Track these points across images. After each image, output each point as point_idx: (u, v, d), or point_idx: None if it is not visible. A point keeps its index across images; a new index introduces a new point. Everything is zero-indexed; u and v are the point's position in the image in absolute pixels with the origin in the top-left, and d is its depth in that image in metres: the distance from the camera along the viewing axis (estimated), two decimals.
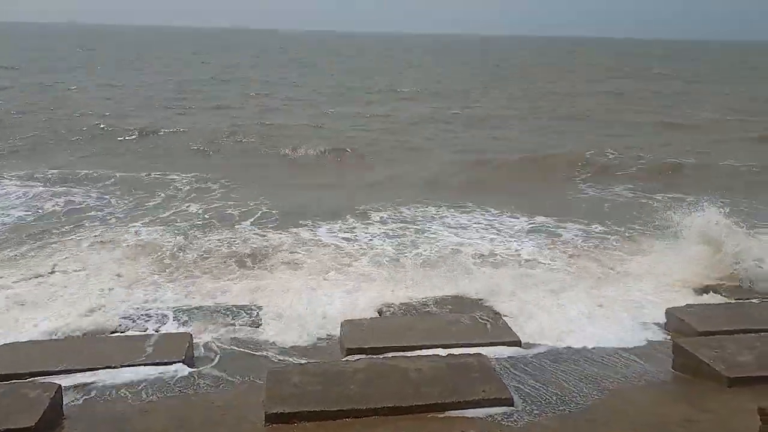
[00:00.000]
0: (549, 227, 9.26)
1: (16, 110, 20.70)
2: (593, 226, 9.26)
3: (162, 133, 16.86)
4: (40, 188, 11.16)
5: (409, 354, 4.66)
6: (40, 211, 9.77)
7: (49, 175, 12.08)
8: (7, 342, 5.01)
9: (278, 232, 8.71)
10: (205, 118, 19.74)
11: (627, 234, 8.86)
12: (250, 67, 44.77)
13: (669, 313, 5.65)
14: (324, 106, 23.51)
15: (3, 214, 9.57)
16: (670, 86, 34.05)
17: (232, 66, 44.51)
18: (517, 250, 8.11)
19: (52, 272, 7.01)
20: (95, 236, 8.38)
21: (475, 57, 69.19)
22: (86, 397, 4.17)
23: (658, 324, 5.64)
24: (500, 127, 19.72)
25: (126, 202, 10.45)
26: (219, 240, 8.33)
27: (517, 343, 5.04)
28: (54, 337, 5.31)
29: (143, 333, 5.31)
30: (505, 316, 5.69)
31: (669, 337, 5.31)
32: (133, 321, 5.68)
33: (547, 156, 14.68)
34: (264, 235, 8.59)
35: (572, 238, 8.76)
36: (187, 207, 10.11)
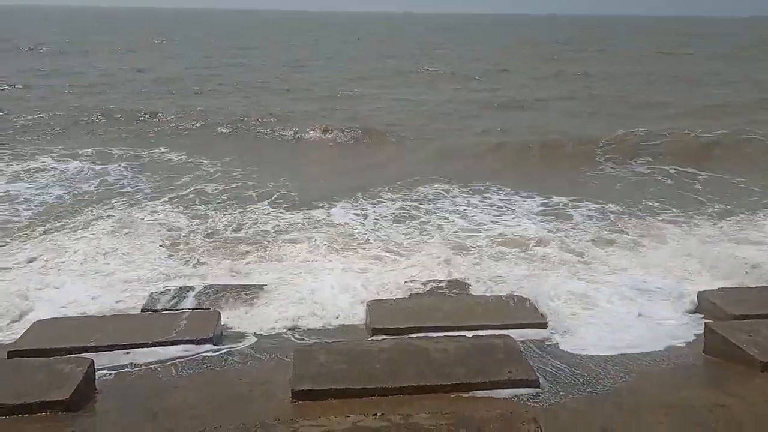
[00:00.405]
0: (565, 207, 9.17)
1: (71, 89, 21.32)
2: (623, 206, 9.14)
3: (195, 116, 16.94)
4: (77, 166, 11.52)
5: (434, 335, 4.67)
6: (75, 190, 10.04)
7: (86, 154, 12.44)
8: (42, 318, 5.17)
9: (297, 211, 8.82)
10: (232, 101, 19.85)
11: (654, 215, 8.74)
12: (266, 49, 44.20)
13: (701, 296, 5.54)
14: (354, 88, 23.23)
15: (43, 192, 9.86)
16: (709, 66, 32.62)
17: (249, 48, 44.26)
18: (535, 233, 8.05)
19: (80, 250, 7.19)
20: (119, 216, 8.58)
21: (499, 37, 67.11)
22: (118, 372, 4.28)
23: (690, 307, 5.54)
24: (533, 108, 19.41)
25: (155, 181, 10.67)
26: (237, 220, 8.43)
27: (544, 325, 5.00)
28: (88, 314, 5.47)
29: (173, 310, 5.40)
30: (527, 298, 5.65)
31: (701, 320, 5.21)
32: (156, 299, 5.78)
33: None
34: (282, 216, 8.68)
35: (600, 217, 8.68)
36: (205, 187, 10.25)
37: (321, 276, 6.37)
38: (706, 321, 4.90)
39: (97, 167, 11.51)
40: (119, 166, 11.67)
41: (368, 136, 14.93)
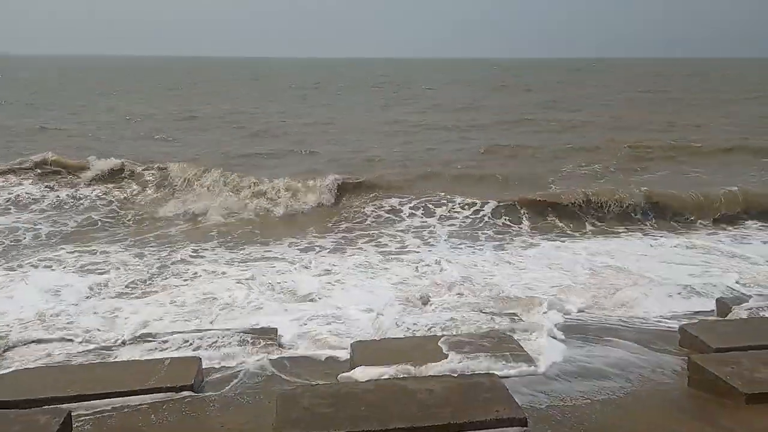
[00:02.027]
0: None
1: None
2: None
3: None
4: None
5: (418, 374, 4.62)
6: None
7: None
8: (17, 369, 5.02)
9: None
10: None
11: None
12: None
13: (682, 329, 5.58)
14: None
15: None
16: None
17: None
18: None
19: None
20: None
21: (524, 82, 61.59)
22: (96, 421, 4.15)
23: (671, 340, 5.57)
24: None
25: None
26: None
27: (530, 361, 4.99)
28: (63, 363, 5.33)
29: (152, 358, 5.29)
30: (512, 333, 5.64)
31: (683, 353, 5.23)
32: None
33: None
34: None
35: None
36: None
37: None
38: (689, 354, 4.92)
39: None
40: None
41: None
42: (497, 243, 10.17)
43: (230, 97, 40.08)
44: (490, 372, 4.55)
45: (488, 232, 10.88)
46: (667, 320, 6.35)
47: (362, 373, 4.77)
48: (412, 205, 12.25)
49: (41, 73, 68.91)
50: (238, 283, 7.81)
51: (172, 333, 5.98)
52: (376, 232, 10.85)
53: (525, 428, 3.88)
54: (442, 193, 12.76)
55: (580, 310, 6.72)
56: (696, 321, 6.09)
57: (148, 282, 8.03)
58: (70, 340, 5.97)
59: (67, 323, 6.38)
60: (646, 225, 11.35)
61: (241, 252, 9.60)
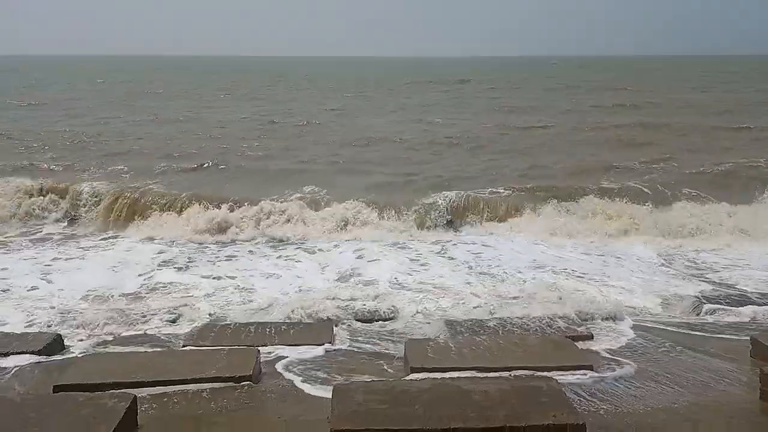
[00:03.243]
0: None
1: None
2: None
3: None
4: None
5: (474, 375, 4.56)
6: None
7: None
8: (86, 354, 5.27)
9: None
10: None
11: None
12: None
13: (754, 339, 5.30)
14: None
15: None
16: None
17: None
18: None
19: None
20: None
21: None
22: (159, 408, 4.30)
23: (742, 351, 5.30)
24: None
25: None
26: None
27: (590, 367, 4.85)
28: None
29: (213, 348, 5.43)
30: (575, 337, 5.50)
31: (755, 365, 4.97)
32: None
33: None
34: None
35: None
36: None
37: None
38: (762, 366, 4.67)
39: None
40: None
41: None
42: None
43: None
44: (548, 375, 4.45)
45: None
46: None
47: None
48: None
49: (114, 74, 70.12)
50: None
51: None
52: None
53: None
54: None
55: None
56: None
57: None
58: None
59: None
60: None
61: None
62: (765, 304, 6.80)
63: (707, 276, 8.39)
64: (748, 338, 5.42)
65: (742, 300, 7.05)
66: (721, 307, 6.77)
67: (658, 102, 31.62)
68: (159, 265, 9.12)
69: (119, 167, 15.58)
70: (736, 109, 27.49)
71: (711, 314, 6.63)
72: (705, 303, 6.88)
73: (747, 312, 6.59)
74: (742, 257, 9.27)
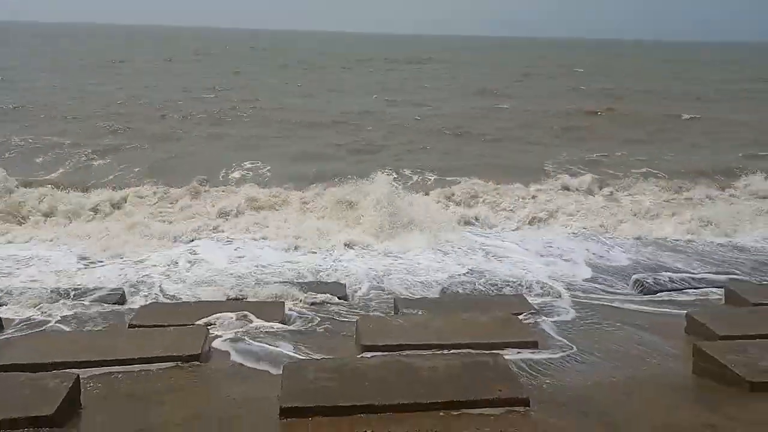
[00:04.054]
0: None
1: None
2: None
3: None
4: None
5: (424, 352, 4.64)
6: None
7: None
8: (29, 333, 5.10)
9: None
10: None
11: None
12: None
13: (689, 315, 5.57)
14: None
15: None
16: None
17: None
18: None
19: None
20: None
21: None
22: (103, 387, 4.21)
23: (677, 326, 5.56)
24: None
25: None
26: None
27: (534, 344, 5.00)
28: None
29: (158, 326, 5.32)
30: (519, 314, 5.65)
31: (689, 340, 5.22)
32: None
33: None
34: None
35: None
36: None
37: None
38: (695, 342, 4.91)
39: None
40: None
41: None
42: None
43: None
44: (494, 352, 4.57)
45: None
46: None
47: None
48: None
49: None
50: None
51: None
52: None
53: (527, 407, 3.91)
54: None
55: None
56: (703, 308, 6.08)
57: None
58: None
59: None
60: None
61: None
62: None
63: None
64: (684, 314, 5.68)
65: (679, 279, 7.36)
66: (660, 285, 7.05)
67: None
68: None
69: None
70: None
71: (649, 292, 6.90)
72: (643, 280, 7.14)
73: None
74: None
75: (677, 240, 9.26)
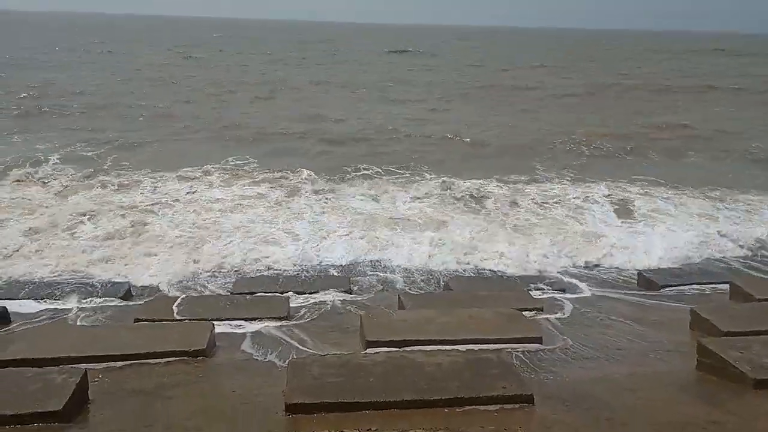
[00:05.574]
0: None
1: None
2: None
3: None
4: None
5: (428, 348, 4.66)
6: None
7: None
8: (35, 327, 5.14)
9: None
10: None
11: None
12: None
13: (693, 311, 5.57)
14: None
15: None
16: None
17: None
18: None
19: None
20: None
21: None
22: (111, 382, 4.25)
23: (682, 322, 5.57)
24: None
25: None
26: None
27: (539, 339, 5.02)
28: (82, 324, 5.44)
29: (168, 320, 5.38)
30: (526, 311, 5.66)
31: (693, 336, 5.23)
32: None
33: None
34: None
35: None
36: None
37: None
38: (699, 338, 4.92)
39: None
40: None
41: None
42: None
43: None
44: (499, 348, 4.58)
45: None
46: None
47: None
48: None
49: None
50: None
51: None
52: None
53: (531, 404, 3.93)
54: None
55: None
56: (707, 303, 6.08)
57: None
58: None
59: None
60: None
61: None
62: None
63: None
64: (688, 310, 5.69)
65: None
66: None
67: None
68: None
69: None
70: None
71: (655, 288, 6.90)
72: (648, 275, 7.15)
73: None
74: None
75: None
